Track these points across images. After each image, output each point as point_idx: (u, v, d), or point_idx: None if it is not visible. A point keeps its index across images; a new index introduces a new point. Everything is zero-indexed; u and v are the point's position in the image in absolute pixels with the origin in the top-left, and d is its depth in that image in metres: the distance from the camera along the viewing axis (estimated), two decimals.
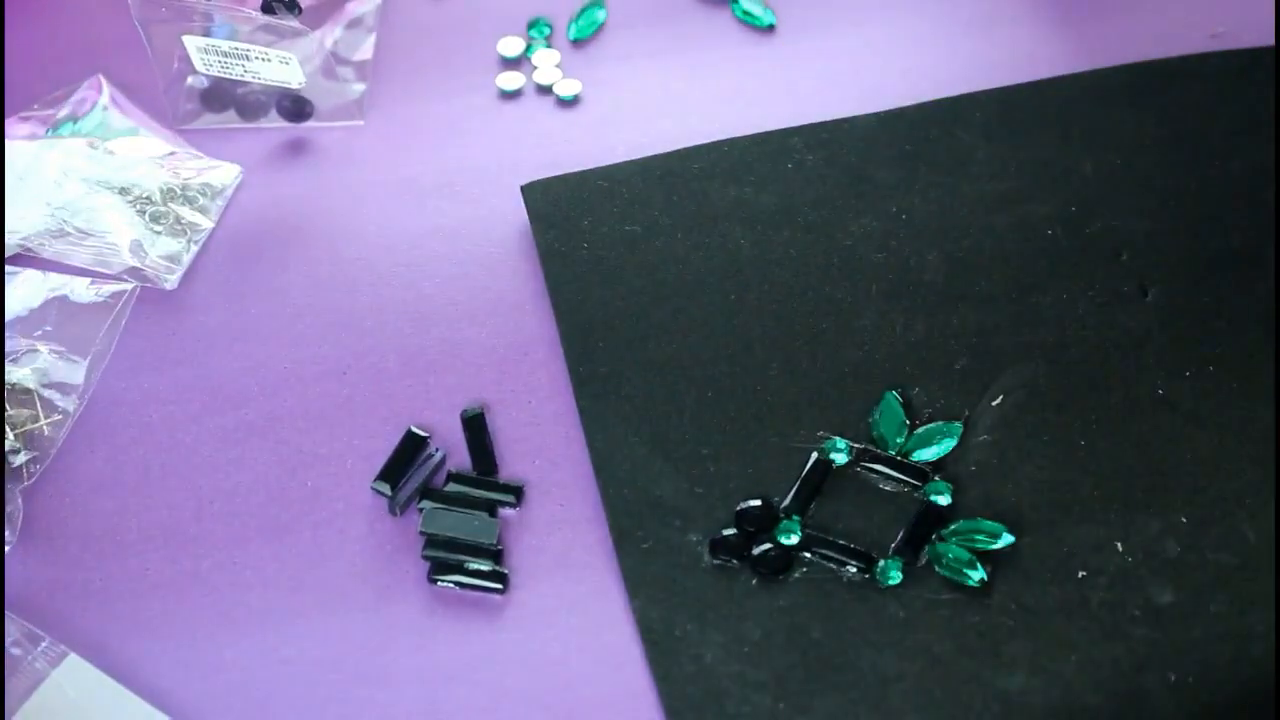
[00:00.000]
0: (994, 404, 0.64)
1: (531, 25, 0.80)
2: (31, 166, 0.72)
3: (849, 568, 0.60)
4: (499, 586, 0.61)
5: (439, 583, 0.61)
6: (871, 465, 0.63)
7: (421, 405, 0.66)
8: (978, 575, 0.59)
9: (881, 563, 0.60)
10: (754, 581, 0.60)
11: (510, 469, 0.65)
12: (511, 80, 0.78)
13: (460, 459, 0.65)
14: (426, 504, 0.63)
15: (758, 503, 0.62)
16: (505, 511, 0.63)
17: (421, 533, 0.62)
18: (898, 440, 0.63)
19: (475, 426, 0.65)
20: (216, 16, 0.71)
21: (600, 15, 0.80)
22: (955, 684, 0.57)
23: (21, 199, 0.71)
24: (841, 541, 0.61)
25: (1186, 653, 0.57)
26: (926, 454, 0.63)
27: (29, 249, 0.70)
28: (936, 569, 0.60)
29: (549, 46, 0.79)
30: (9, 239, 0.70)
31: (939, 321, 0.66)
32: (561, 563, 0.62)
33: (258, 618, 0.61)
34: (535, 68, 0.78)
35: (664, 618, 0.59)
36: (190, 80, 0.76)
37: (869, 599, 0.59)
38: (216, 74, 0.74)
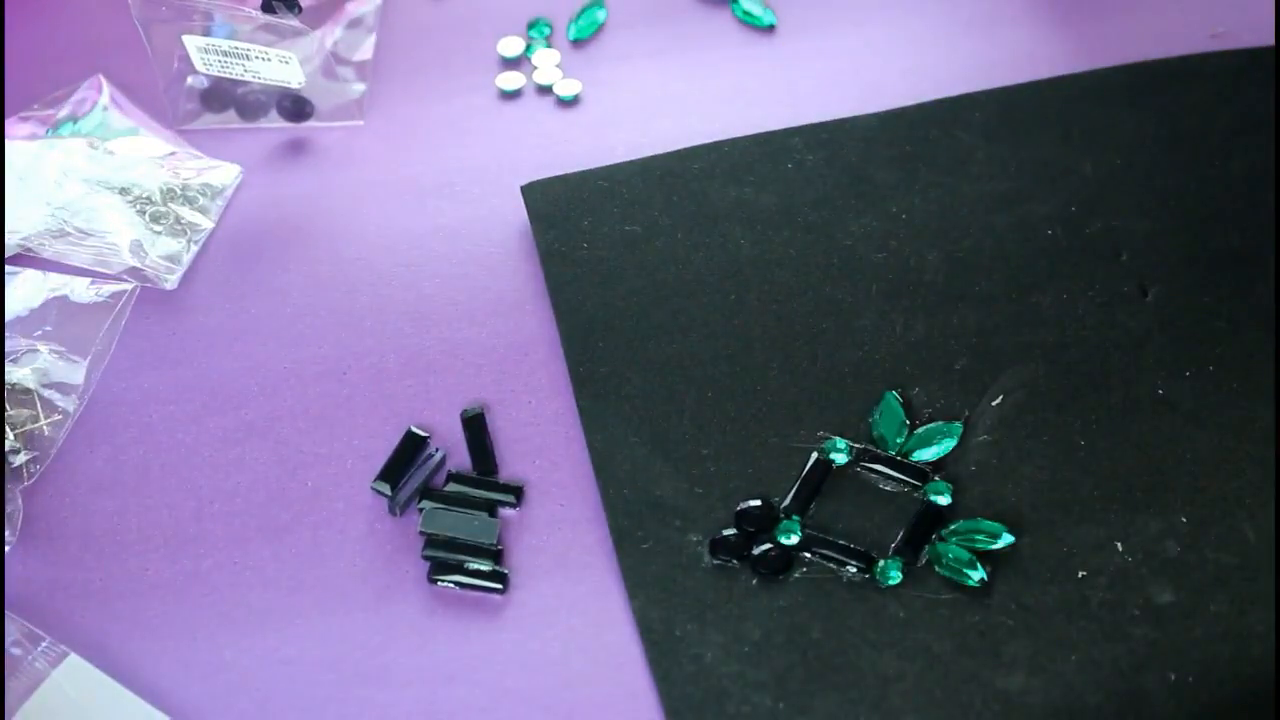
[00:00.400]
0: (994, 404, 0.64)
1: (531, 25, 0.80)
2: (31, 166, 0.72)
3: (849, 568, 0.60)
4: (499, 586, 0.61)
5: (439, 583, 0.61)
6: (871, 465, 0.63)
7: (421, 405, 0.66)
8: (978, 575, 0.59)
9: (881, 563, 0.60)
10: (754, 581, 0.60)
11: (510, 469, 0.65)
12: (511, 80, 0.78)
13: (460, 459, 0.65)
14: (426, 504, 0.63)
15: (758, 503, 0.62)
16: (505, 511, 0.63)
17: (421, 533, 0.62)
18: (898, 440, 0.63)
19: (475, 426, 0.65)
20: (216, 16, 0.71)
21: (600, 15, 0.80)
22: (955, 684, 0.57)
23: (21, 199, 0.71)
24: (841, 541, 0.61)
25: (1186, 653, 0.57)
26: (926, 454, 0.63)
27: (29, 249, 0.71)
28: (936, 569, 0.60)
29: (549, 46, 0.79)
30: (9, 239, 0.70)
31: (939, 321, 0.66)
32: (561, 563, 0.62)
33: (258, 618, 0.61)
34: (535, 68, 0.78)
35: (664, 618, 0.59)
36: (190, 80, 0.76)
37: (869, 599, 0.59)
38: (216, 74, 0.74)
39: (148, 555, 0.62)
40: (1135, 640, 0.58)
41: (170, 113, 0.76)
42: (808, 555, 0.60)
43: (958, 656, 0.58)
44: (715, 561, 0.60)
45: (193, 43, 0.72)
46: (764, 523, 0.61)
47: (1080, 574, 0.59)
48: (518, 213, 0.72)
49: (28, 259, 0.70)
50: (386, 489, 0.63)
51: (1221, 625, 0.58)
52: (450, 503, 0.63)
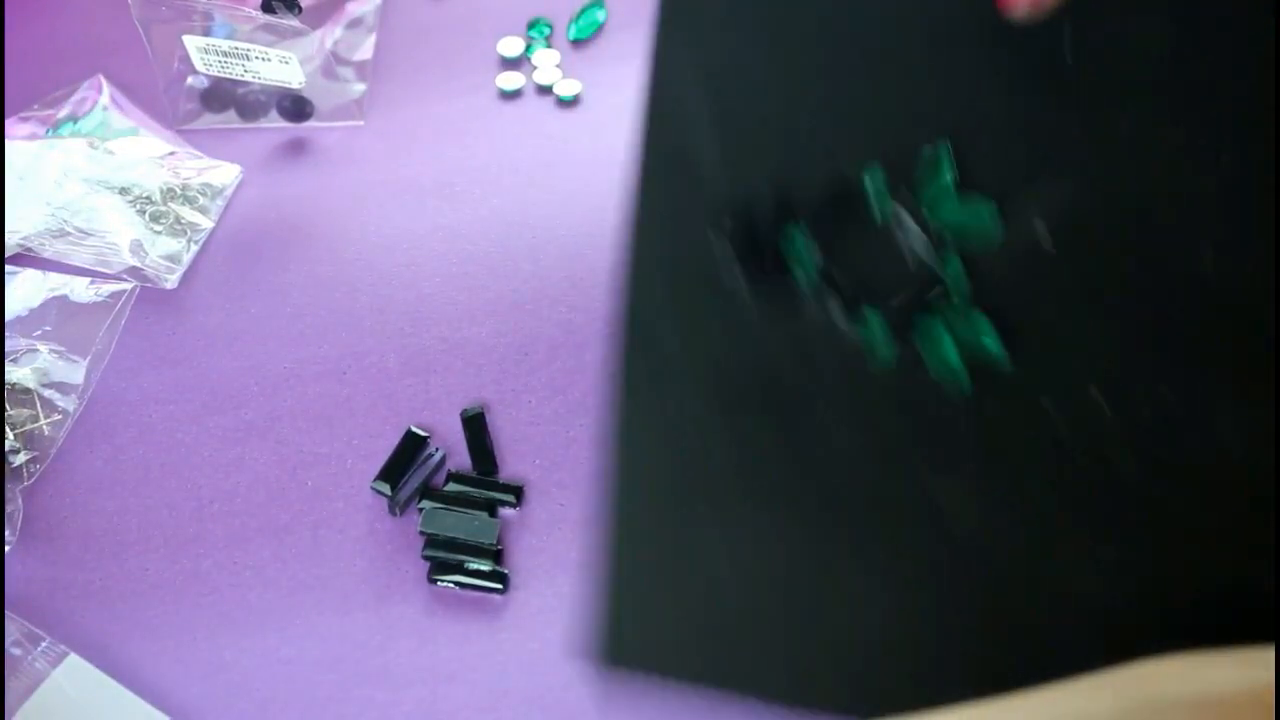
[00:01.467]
0: (1037, 219, 0.59)
1: (531, 25, 0.80)
2: (31, 166, 0.72)
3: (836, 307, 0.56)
4: (499, 586, 0.61)
5: (439, 583, 0.61)
6: (901, 213, 0.58)
7: (421, 405, 0.66)
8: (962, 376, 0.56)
9: (870, 315, 0.57)
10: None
11: (510, 469, 0.65)
12: (511, 80, 0.78)
13: (460, 459, 0.65)
14: (426, 504, 0.63)
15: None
16: (505, 511, 0.63)
17: (421, 533, 0.62)
18: (935, 198, 0.59)
19: (475, 426, 0.65)
20: (216, 16, 0.71)
21: (600, 15, 0.80)
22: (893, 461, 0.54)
23: (21, 199, 0.71)
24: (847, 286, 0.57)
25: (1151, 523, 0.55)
26: (954, 223, 0.59)
27: (29, 249, 0.71)
28: (923, 353, 0.56)
29: (549, 46, 0.79)
30: (9, 239, 0.70)
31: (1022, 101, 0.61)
32: (561, 563, 0.62)
33: (258, 618, 0.61)
34: (535, 68, 0.78)
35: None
36: (190, 80, 0.76)
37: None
38: (216, 74, 0.74)
39: (148, 555, 0.62)
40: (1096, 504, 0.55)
41: (170, 113, 0.76)
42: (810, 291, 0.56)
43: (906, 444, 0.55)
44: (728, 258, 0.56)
45: (193, 43, 0.72)
46: (777, 217, 0.56)
47: (1051, 414, 0.56)
48: (518, 212, 0.72)
49: (28, 259, 0.70)
50: (386, 489, 0.63)
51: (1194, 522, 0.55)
52: (450, 503, 0.63)
